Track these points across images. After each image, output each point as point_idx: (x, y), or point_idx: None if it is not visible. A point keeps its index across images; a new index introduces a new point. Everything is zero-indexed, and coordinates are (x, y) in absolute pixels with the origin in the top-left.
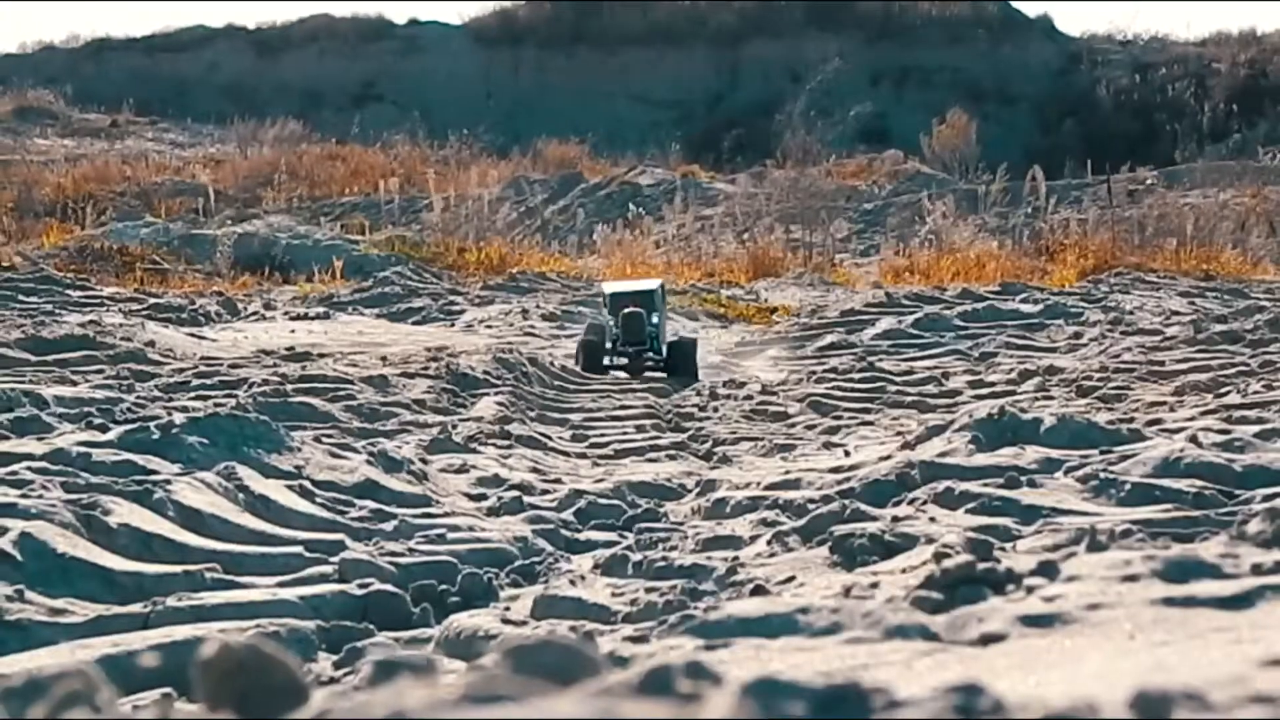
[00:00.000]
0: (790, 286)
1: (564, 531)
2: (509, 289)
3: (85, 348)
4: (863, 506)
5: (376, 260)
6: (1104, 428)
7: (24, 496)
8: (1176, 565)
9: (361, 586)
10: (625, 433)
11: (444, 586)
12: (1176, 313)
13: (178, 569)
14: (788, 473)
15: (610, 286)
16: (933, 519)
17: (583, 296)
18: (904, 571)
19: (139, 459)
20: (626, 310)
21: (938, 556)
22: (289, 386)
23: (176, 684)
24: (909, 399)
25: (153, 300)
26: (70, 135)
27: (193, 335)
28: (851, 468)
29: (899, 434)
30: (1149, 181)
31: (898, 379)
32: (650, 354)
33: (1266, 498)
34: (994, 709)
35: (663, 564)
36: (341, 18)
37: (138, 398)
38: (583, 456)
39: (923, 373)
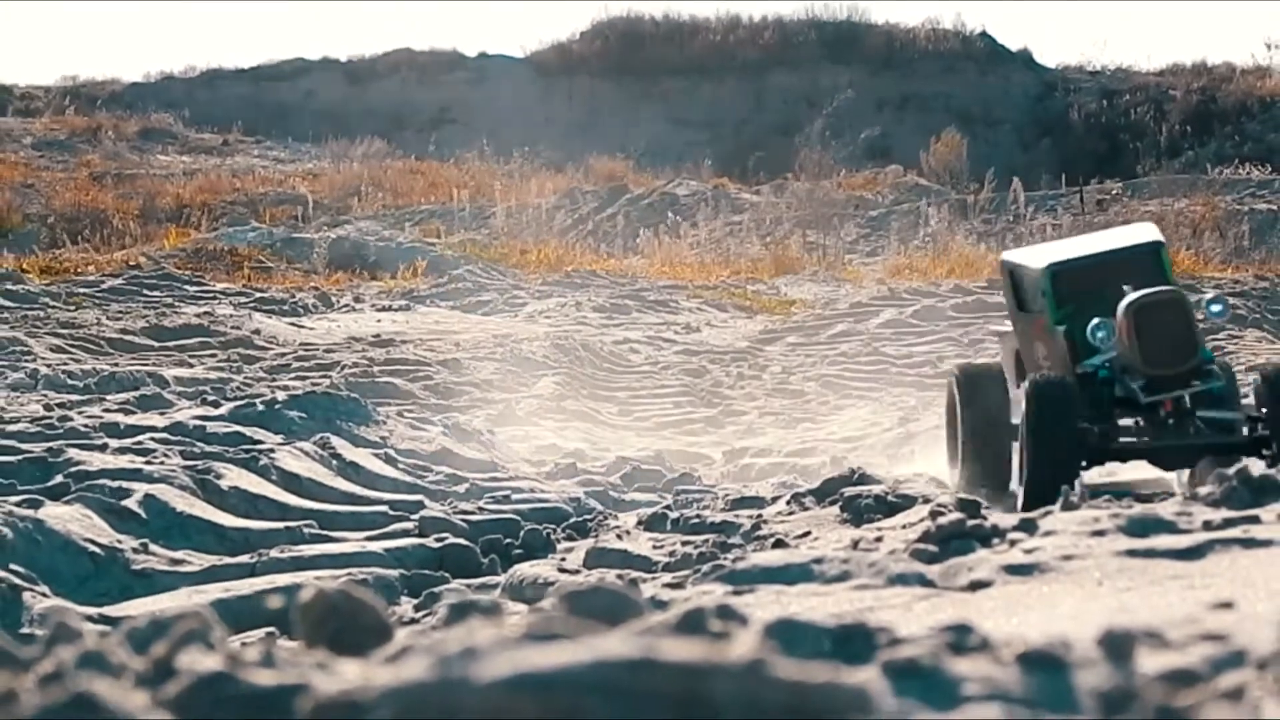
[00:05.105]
0: (806, 283)
1: (612, 493)
2: (564, 285)
3: (200, 335)
4: (869, 471)
5: (451, 260)
6: None
7: (148, 463)
8: (1138, 522)
9: (438, 540)
10: (664, 409)
11: (509, 540)
12: None
13: (280, 525)
14: (804, 442)
15: (1021, 256)
16: (929, 482)
17: (628, 291)
18: (904, 528)
19: (246, 430)
20: (1141, 300)
21: (933, 515)
22: (375, 368)
23: (279, 624)
24: (909, 379)
25: (258, 294)
26: (187, 152)
27: (292, 324)
28: (859, 438)
29: (900, 409)
30: (1114, 192)
31: (899, 361)
32: (1207, 406)
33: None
34: (981, 645)
35: (697, 521)
36: (421, 51)
37: (245, 378)
38: (628, 429)
39: (920, 356)
